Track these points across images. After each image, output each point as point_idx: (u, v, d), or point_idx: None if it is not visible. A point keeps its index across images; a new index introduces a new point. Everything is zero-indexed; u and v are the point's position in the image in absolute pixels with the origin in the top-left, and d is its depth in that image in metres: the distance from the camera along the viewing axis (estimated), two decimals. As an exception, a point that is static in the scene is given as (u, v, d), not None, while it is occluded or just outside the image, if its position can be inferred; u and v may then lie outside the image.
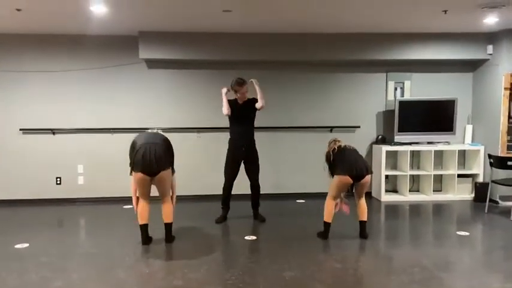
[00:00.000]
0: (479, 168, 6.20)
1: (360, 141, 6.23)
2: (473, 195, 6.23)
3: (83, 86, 6.10)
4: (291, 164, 6.44)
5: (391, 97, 6.45)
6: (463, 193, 6.29)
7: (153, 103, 6.17)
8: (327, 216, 4.36)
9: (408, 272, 3.47)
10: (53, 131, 6.10)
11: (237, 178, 5.00)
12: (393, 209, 5.74)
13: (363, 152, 6.06)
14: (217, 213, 5.13)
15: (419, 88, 6.46)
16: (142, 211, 4.13)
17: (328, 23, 5.39)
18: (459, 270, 3.55)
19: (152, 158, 3.95)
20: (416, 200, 6.19)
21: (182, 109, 6.24)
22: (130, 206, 5.64)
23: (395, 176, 6.56)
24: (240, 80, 4.81)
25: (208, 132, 6.29)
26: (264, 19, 5.13)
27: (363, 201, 4.37)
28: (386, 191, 6.37)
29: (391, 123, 6.35)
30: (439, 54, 6.07)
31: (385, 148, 6.13)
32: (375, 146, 6.42)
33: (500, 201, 5.94)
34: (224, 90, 4.86)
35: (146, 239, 4.20)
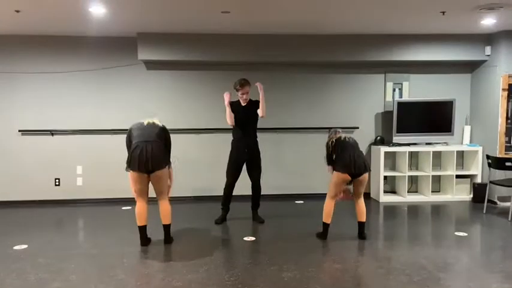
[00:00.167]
0: (477, 169, 6.21)
1: (358, 142, 6.17)
2: (471, 195, 6.24)
3: (81, 87, 6.10)
4: (290, 165, 6.45)
5: (389, 98, 6.46)
6: (461, 194, 6.30)
7: (152, 104, 6.18)
8: (326, 217, 4.36)
9: (407, 273, 3.48)
10: (52, 132, 6.10)
11: (238, 178, 5.00)
12: (392, 210, 5.75)
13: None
14: (216, 214, 5.14)
15: (417, 89, 6.48)
16: (140, 212, 4.12)
17: (327, 25, 5.40)
18: (457, 271, 3.56)
19: (148, 158, 3.95)
20: (415, 201, 6.20)
21: (181, 110, 6.24)
22: (129, 207, 5.67)
23: (393, 177, 6.58)
24: (243, 80, 4.82)
25: (207, 134, 6.30)
26: (263, 20, 5.14)
27: (361, 202, 4.38)
28: (385, 191, 6.39)
29: (389, 124, 6.37)
30: (437, 55, 6.09)
31: (384, 149, 6.15)
32: (373, 147, 6.43)
33: (498, 202, 5.96)
34: (227, 98, 4.82)
35: (145, 240, 4.20)
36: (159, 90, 6.21)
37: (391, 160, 6.54)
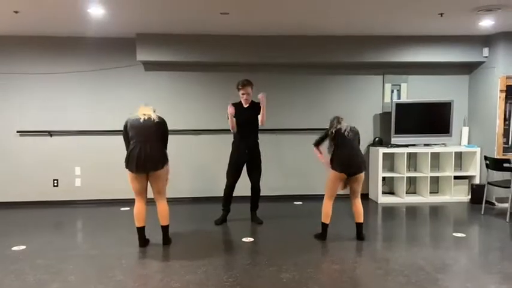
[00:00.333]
0: (475, 170, 6.23)
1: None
2: (469, 197, 6.26)
3: (80, 88, 6.10)
4: (289, 166, 6.46)
5: (387, 99, 6.47)
6: (459, 195, 6.31)
7: (150, 105, 6.16)
8: (325, 218, 4.37)
9: (405, 274, 3.49)
10: (50, 133, 6.10)
11: (239, 179, 5.00)
12: (390, 211, 5.76)
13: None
14: (215, 215, 5.14)
15: (415, 90, 6.49)
16: (139, 213, 4.13)
17: (326, 26, 5.41)
18: (456, 272, 3.57)
19: (146, 158, 3.96)
20: (413, 202, 6.21)
21: (180, 111, 6.24)
22: (128, 208, 5.66)
23: (392, 178, 6.59)
24: (246, 81, 4.84)
25: (206, 135, 6.30)
26: (262, 21, 5.15)
27: (358, 203, 4.37)
28: (383, 192, 6.40)
29: (387, 126, 6.38)
30: (435, 56, 6.10)
31: (382, 150, 6.16)
32: (371, 148, 6.44)
33: (496, 203, 5.97)
34: (231, 110, 4.80)
35: (143, 241, 4.20)
36: (158, 91, 6.22)
37: (390, 161, 6.55)
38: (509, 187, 5.20)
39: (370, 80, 6.48)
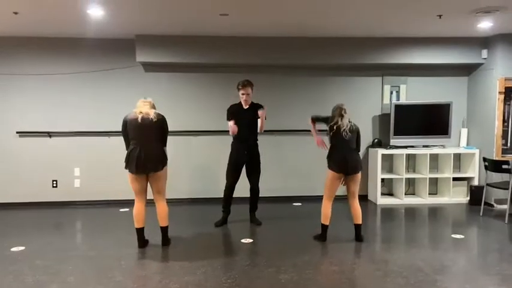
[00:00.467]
0: (474, 171, 6.24)
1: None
2: (468, 198, 6.26)
3: (79, 89, 6.11)
4: (288, 167, 6.46)
5: (386, 101, 6.48)
6: (458, 196, 6.32)
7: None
8: (324, 219, 4.37)
9: (404, 275, 3.49)
10: (50, 134, 6.10)
11: (238, 180, 5.01)
12: (389, 212, 5.77)
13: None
14: (214, 216, 5.14)
15: (414, 92, 6.50)
16: (138, 214, 4.13)
17: (325, 27, 5.42)
18: (454, 273, 3.57)
19: (146, 160, 3.97)
20: (412, 203, 6.22)
21: (179, 112, 6.24)
22: (127, 209, 5.66)
23: (391, 179, 6.59)
24: (246, 81, 4.86)
25: (205, 136, 6.31)
26: (261, 23, 5.15)
27: (356, 204, 4.37)
28: (382, 194, 6.40)
29: (386, 127, 6.39)
30: (434, 58, 6.11)
31: (381, 151, 6.16)
32: (370, 150, 6.45)
33: (495, 205, 5.98)
34: (233, 129, 4.80)
35: (142, 242, 4.20)
36: (158, 92, 6.19)
37: (389, 162, 6.56)
38: (507, 188, 5.21)
39: (369, 81, 6.49)
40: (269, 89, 6.23)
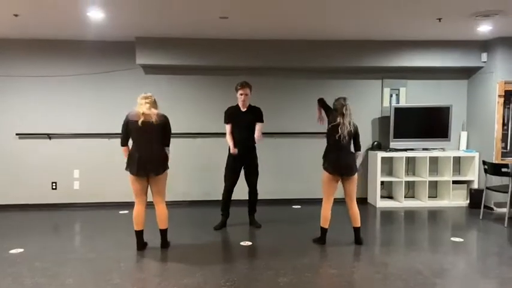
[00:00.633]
0: (474, 174, 6.23)
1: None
2: (468, 201, 6.26)
3: (79, 91, 6.11)
4: (287, 170, 6.46)
5: (386, 104, 6.49)
6: (458, 199, 6.31)
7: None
8: (324, 222, 4.37)
9: (403, 278, 3.48)
10: (49, 136, 6.10)
11: (236, 183, 5.00)
12: (388, 215, 5.76)
13: (358, 159, 6.04)
14: (213, 218, 5.13)
15: (414, 95, 6.51)
16: (138, 216, 4.12)
17: (325, 30, 5.43)
18: (454, 277, 3.57)
19: (148, 163, 3.99)
20: (412, 206, 6.21)
21: (179, 114, 6.23)
22: (126, 211, 5.66)
23: (390, 182, 6.58)
24: (245, 82, 4.87)
25: (204, 138, 6.31)
26: (261, 26, 5.16)
27: (354, 207, 4.36)
28: (382, 197, 6.40)
29: (386, 130, 6.39)
30: (434, 61, 6.12)
31: (381, 154, 6.16)
32: (370, 152, 6.45)
33: (495, 208, 5.97)
34: (233, 151, 4.81)
35: (141, 245, 4.19)
36: (157, 95, 6.08)
37: (388, 165, 6.55)
38: (507, 192, 5.21)
39: (369, 84, 6.50)
40: (269, 91, 6.24)
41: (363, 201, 6.33)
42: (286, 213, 5.81)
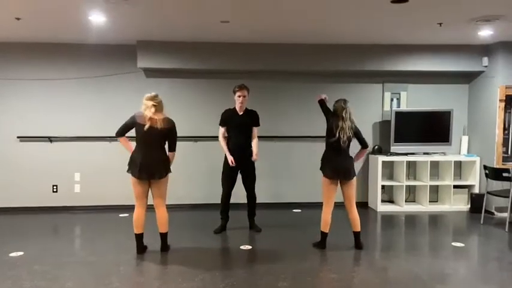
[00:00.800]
0: (475, 179, 6.22)
1: (356, 151, 6.24)
2: (469, 206, 6.24)
3: (81, 94, 6.12)
4: (288, 174, 6.45)
5: (387, 108, 6.49)
6: (459, 204, 6.30)
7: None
8: (324, 226, 4.35)
9: (403, 283, 3.47)
10: (51, 139, 6.11)
11: (234, 187, 5.00)
12: (389, 220, 5.75)
13: (359, 163, 6.04)
14: (214, 222, 5.12)
15: (415, 99, 6.50)
16: (138, 219, 4.12)
17: (326, 34, 5.44)
18: (454, 282, 3.56)
19: (149, 166, 4.01)
20: (413, 211, 6.19)
21: (180, 118, 6.16)
22: (127, 215, 5.66)
23: (391, 187, 6.57)
24: (243, 85, 4.89)
25: (205, 141, 6.31)
26: (262, 30, 5.17)
27: (354, 211, 4.35)
28: (383, 201, 6.38)
29: (387, 134, 6.38)
30: (435, 65, 6.12)
31: (381, 158, 6.16)
32: (371, 156, 6.44)
33: (496, 212, 5.96)
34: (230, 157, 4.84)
35: (141, 248, 4.19)
36: (158, 98, 6.22)
37: (389, 169, 6.54)
38: (508, 197, 5.19)
39: (370, 88, 6.49)
40: (269, 95, 6.25)
41: (363, 205, 6.31)
42: (287, 217, 5.80)
